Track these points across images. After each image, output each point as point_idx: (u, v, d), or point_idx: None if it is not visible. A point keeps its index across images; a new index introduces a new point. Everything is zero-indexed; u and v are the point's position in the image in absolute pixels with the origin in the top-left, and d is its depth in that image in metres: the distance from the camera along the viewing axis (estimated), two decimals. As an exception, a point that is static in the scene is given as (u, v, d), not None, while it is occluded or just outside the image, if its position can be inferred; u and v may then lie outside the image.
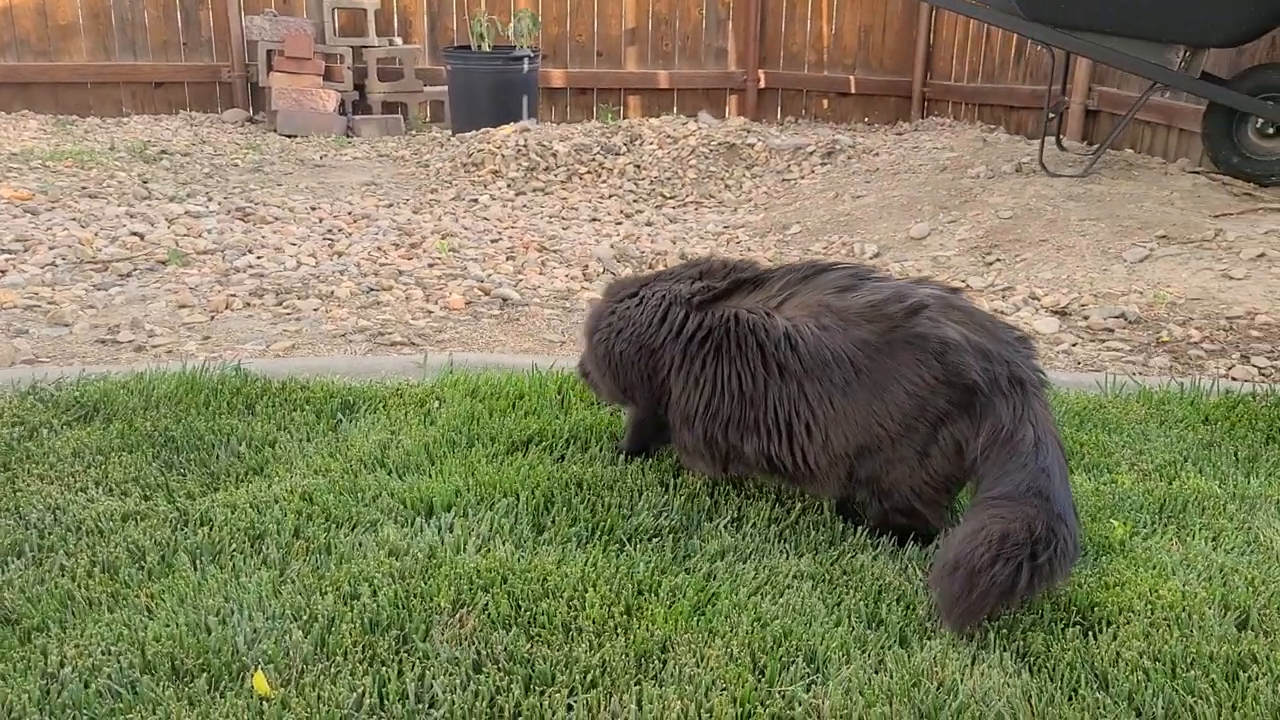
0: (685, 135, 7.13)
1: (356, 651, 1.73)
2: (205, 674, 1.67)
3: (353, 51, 8.54)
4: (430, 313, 3.99)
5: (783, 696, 1.66)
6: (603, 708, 1.63)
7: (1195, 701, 1.67)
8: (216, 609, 1.84)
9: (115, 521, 2.14)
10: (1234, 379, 3.38)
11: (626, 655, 1.75)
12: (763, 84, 9.49)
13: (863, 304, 2.12)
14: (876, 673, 1.73)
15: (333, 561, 2.01)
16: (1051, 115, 6.20)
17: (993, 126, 8.05)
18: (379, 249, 4.83)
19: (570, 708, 1.63)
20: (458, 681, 1.66)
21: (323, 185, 6.44)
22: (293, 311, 3.93)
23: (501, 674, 1.69)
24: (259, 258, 4.60)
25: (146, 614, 1.84)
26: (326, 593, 1.89)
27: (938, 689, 1.69)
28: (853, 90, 9.41)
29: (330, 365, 3.14)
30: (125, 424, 2.61)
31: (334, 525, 2.16)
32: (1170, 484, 2.48)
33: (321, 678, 1.66)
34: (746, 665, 1.73)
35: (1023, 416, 2.00)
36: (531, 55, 8.22)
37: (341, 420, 2.72)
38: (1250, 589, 2.00)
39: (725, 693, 1.66)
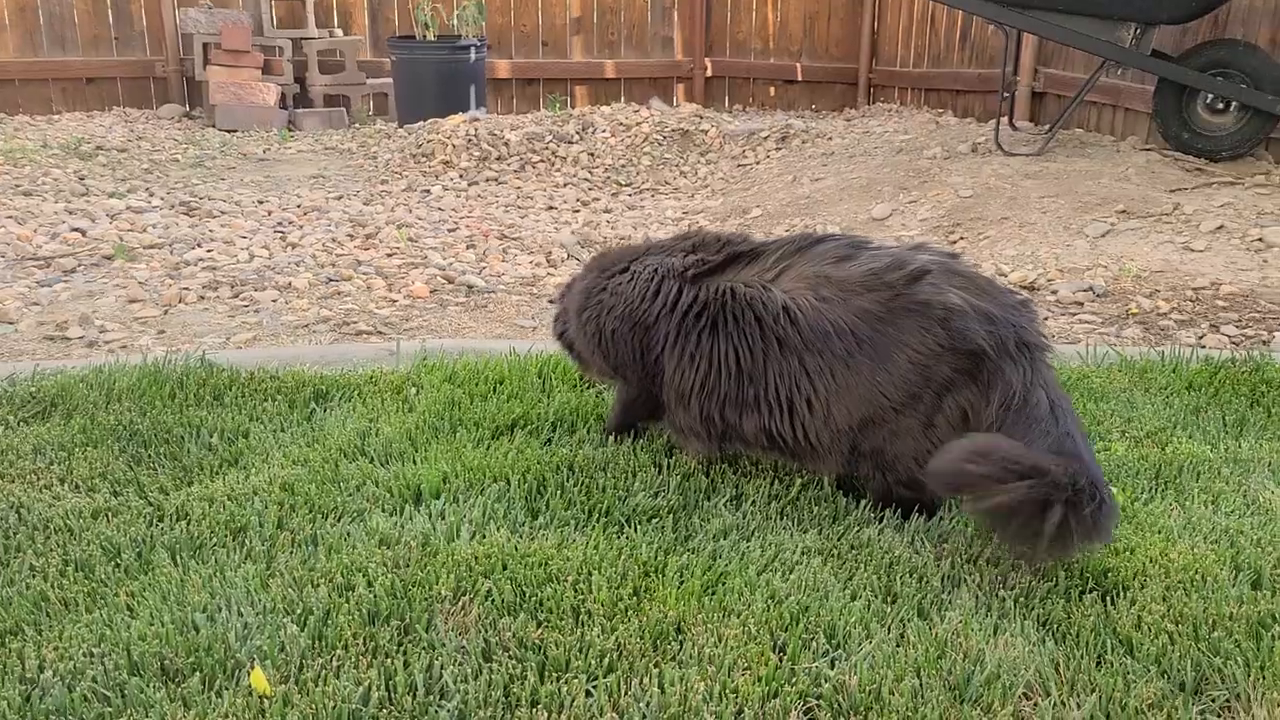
0: (638, 123, 7.05)
1: (357, 644, 1.64)
2: (198, 673, 1.57)
3: (292, 44, 8.34)
4: (394, 301, 3.87)
5: (809, 674, 1.60)
6: (624, 691, 1.55)
7: (1224, 663, 1.64)
8: (203, 605, 1.74)
9: (85, 519, 2.03)
10: (1205, 347, 3.39)
11: (641, 637, 1.68)
12: (710, 72, 9.44)
13: (862, 273, 2.07)
14: (899, 646, 1.69)
15: (321, 553, 1.92)
16: (1005, 95, 6.23)
17: (940, 111, 8.08)
18: (334, 240, 4.70)
19: (589, 693, 1.56)
20: (469, 671, 1.58)
21: (268, 179, 6.26)
22: (250, 303, 3.79)
23: (514, 661, 1.61)
24: (209, 251, 4.44)
25: (128, 613, 1.73)
26: (319, 585, 1.80)
27: (964, 659, 1.64)
28: (799, 77, 9.40)
29: (299, 354, 3.02)
30: (87, 419, 2.48)
31: (319, 516, 2.06)
32: (1164, 449, 2.47)
33: (323, 672, 1.57)
34: (766, 643, 1.67)
35: (1033, 381, 1.96)
36: (478, 44, 8.09)
37: (316, 409, 2.61)
38: (1258, 549, 1.99)
39: (748, 672, 1.60)
